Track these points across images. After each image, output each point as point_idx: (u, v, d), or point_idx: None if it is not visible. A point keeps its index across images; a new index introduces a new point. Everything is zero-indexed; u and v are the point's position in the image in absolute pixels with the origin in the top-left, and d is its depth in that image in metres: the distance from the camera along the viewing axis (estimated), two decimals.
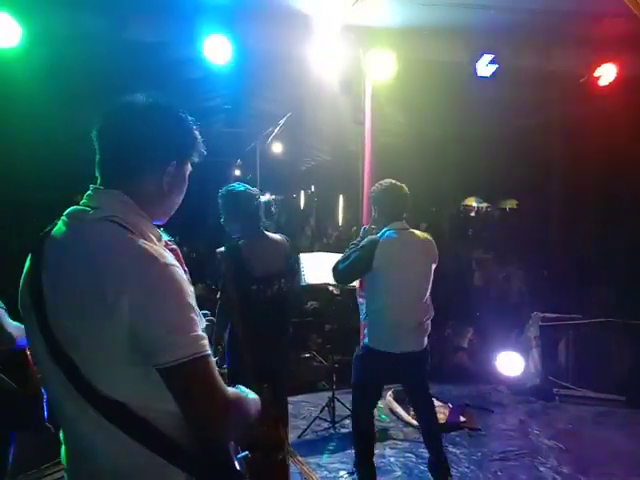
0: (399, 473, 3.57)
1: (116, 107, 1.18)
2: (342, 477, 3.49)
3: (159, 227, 1.60)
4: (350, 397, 3.33)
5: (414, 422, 4.21)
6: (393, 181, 3.18)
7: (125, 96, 1.19)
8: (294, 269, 3.12)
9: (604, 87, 4.51)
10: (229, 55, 3.86)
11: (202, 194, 4.93)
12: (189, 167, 1.28)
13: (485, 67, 4.11)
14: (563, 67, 4.55)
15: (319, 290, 5.56)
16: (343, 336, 5.42)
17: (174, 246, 1.75)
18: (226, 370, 2.84)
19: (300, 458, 3.66)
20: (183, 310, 1.05)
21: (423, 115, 6.56)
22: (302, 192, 19.45)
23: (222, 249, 2.88)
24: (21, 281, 1.15)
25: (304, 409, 4.59)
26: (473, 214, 15.29)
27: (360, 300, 3.25)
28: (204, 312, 1.82)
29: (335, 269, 3.15)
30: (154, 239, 1.16)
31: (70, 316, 1.05)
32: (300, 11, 3.64)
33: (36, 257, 1.12)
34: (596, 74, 4.39)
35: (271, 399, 1.73)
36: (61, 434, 1.18)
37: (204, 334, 1.07)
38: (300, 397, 4.81)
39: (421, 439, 3.51)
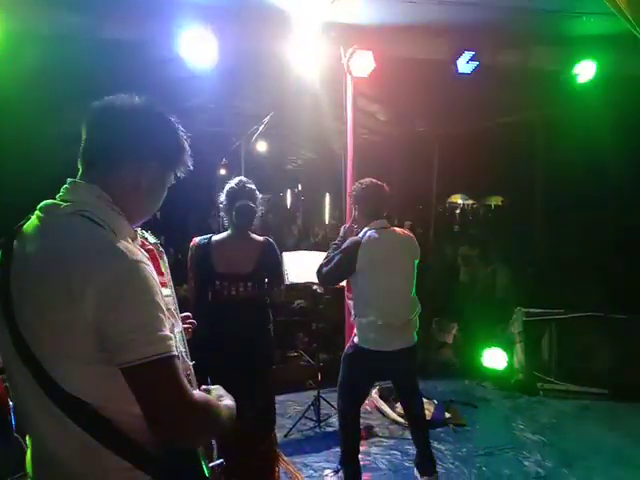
0: (385, 470, 3.58)
1: (101, 104, 1.19)
2: (328, 476, 3.48)
3: (146, 229, 1.58)
4: (335, 395, 3.33)
5: (400, 419, 4.22)
6: (374, 180, 3.18)
7: (110, 96, 1.21)
8: (272, 275, 2.98)
9: (584, 84, 4.56)
10: (208, 53, 3.83)
11: (187, 194, 4.89)
12: (171, 178, 1.28)
13: (466, 64, 4.13)
14: (543, 65, 4.58)
15: (306, 288, 5.56)
16: (330, 335, 5.42)
17: (151, 246, 1.73)
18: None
19: (285, 458, 3.65)
20: (150, 308, 1.03)
21: (407, 113, 6.58)
22: (289, 191, 19.44)
23: (196, 239, 2.89)
24: None
25: (290, 408, 4.58)
26: (459, 211, 15.42)
27: (349, 302, 3.25)
28: (186, 314, 1.78)
29: (319, 272, 3.14)
30: (127, 236, 1.14)
31: (35, 311, 1.04)
32: (279, 8, 3.61)
33: (5, 253, 1.11)
34: (575, 71, 4.43)
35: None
36: (27, 439, 1.16)
37: (171, 335, 1.05)
38: (286, 396, 4.80)
39: (406, 436, 3.53)
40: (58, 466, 1.08)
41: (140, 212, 1.25)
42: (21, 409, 1.13)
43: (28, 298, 1.05)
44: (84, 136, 1.19)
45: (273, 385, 3.09)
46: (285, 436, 4.01)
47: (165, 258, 1.74)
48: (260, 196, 2.98)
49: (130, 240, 1.14)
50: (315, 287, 4.68)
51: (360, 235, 3.08)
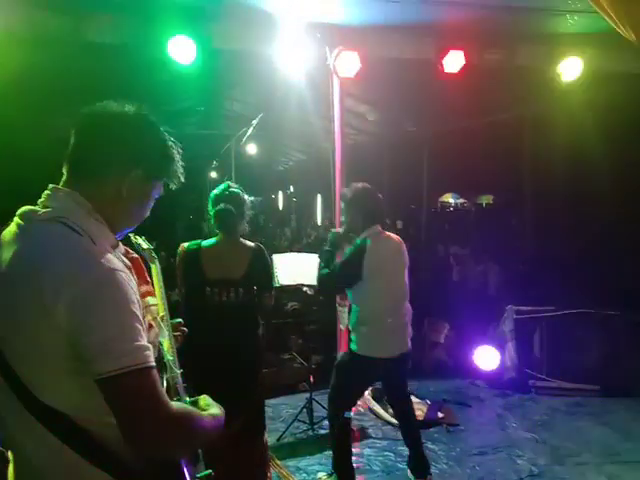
0: (378, 472, 3.57)
1: (90, 110, 1.19)
2: (321, 479, 3.46)
3: (136, 233, 1.55)
4: None
5: (393, 420, 4.21)
6: (367, 185, 3.14)
7: (98, 99, 1.20)
8: (262, 281, 2.92)
9: (571, 82, 4.57)
10: (195, 55, 3.80)
11: (179, 197, 4.86)
12: (159, 188, 1.25)
13: (452, 63, 4.13)
14: (529, 63, 4.59)
15: (296, 291, 5.53)
16: (324, 337, 5.39)
17: (135, 255, 1.71)
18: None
19: (278, 461, 3.63)
20: (125, 318, 1.00)
21: (395, 113, 6.58)
22: (280, 192, 19.44)
23: (185, 245, 2.85)
24: None
25: (283, 411, 4.55)
26: (450, 210, 15.48)
27: (340, 308, 3.22)
28: (178, 320, 1.75)
29: (321, 283, 3.08)
30: (106, 244, 1.11)
31: (9, 322, 1.01)
32: (263, 9, 3.59)
33: None
34: (561, 69, 4.45)
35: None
36: (9, 454, 1.14)
37: (149, 344, 1.02)
38: (279, 399, 4.77)
39: (400, 437, 3.52)
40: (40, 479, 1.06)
41: (123, 220, 1.22)
42: (2, 424, 1.11)
43: (3, 309, 1.03)
44: (71, 141, 1.18)
45: (264, 389, 3.05)
46: (278, 440, 3.98)
47: (158, 264, 1.71)
48: (249, 199, 2.93)
49: (110, 248, 1.12)
50: (305, 289, 4.66)
51: (359, 242, 3.03)
